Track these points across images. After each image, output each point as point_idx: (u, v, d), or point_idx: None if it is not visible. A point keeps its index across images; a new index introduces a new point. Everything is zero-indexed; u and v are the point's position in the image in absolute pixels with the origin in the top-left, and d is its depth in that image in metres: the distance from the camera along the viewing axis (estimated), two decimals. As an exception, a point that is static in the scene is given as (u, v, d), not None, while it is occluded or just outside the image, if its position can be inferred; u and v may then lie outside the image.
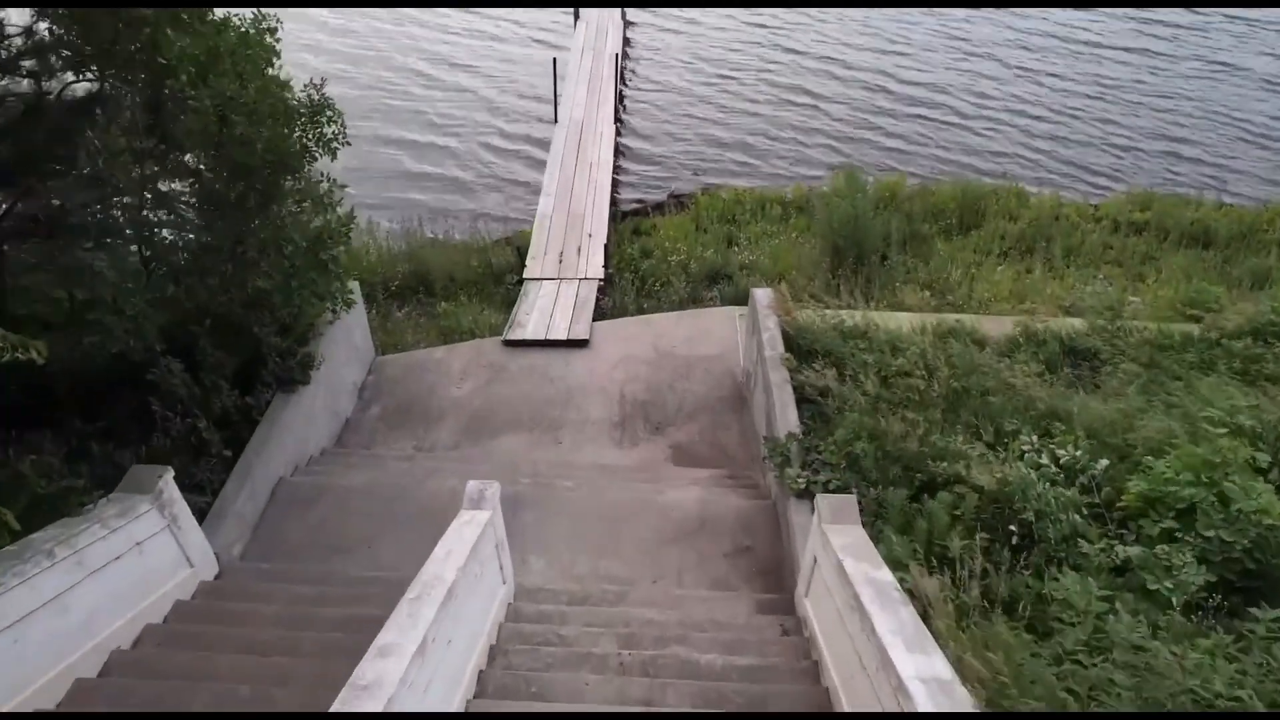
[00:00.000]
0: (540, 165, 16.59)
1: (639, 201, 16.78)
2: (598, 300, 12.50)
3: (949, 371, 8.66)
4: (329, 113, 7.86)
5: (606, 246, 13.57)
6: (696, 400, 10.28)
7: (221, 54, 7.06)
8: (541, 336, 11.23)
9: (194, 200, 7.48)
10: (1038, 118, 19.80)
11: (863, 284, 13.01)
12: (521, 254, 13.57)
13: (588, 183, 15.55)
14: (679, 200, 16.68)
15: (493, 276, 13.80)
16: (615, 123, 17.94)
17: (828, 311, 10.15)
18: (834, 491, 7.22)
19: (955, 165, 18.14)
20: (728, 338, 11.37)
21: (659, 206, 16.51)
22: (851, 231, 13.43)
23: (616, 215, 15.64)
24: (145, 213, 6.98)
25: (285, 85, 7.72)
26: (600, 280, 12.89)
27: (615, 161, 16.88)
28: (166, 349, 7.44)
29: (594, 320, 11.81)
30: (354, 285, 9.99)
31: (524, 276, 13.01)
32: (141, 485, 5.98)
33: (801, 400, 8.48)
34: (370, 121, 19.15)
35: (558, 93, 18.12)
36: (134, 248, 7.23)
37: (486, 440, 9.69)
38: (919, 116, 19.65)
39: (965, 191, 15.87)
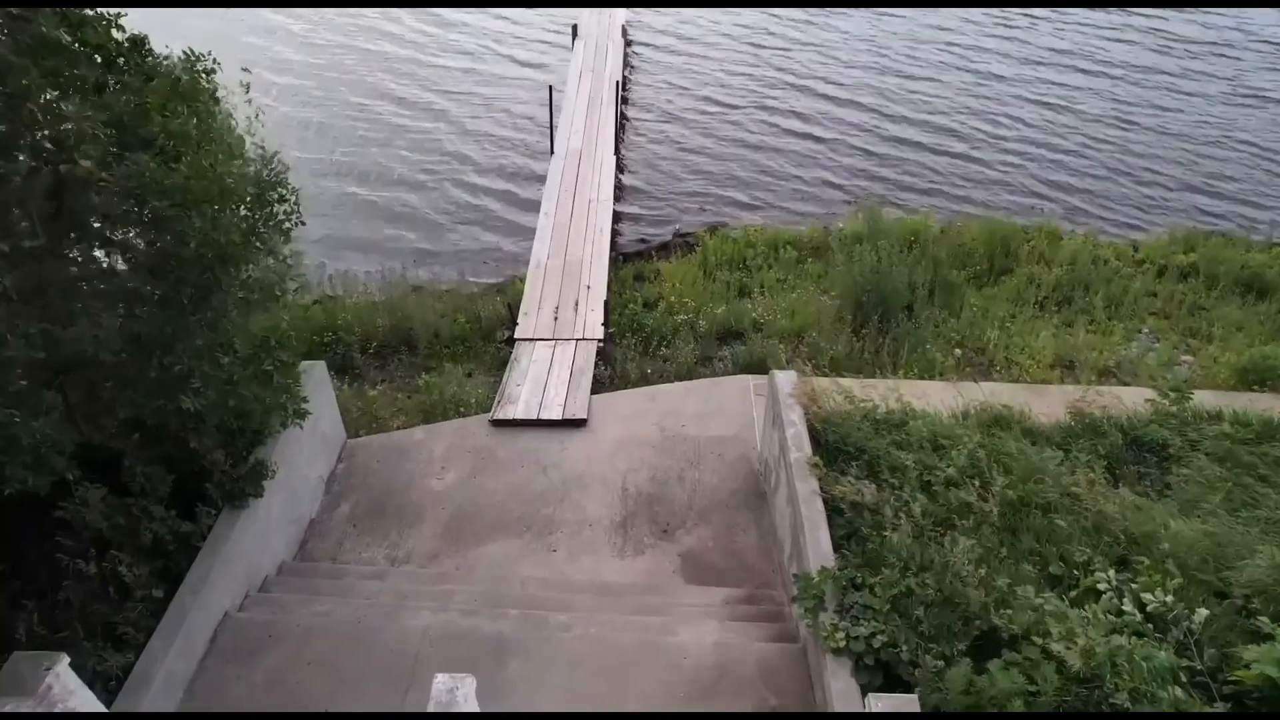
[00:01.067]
0: (533, 204, 15.37)
1: (641, 240, 15.59)
2: (597, 365, 11.31)
3: (1004, 480, 7.47)
4: (280, 190, 6.67)
5: (606, 301, 12.36)
6: (709, 494, 9.08)
7: (144, 112, 5.84)
8: (534, 416, 10.03)
9: (115, 298, 6.26)
10: (1062, 149, 18.54)
11: (889, 344, 11.82)
12: (513, 309, 12.38)
13: (586, 224, 14.35)
14: (684, 239, 15.49)
15: (481, 332, 12.61)
16: (616, 153, 16.75)
17: (856, 393, 8.94)
18: (879, 649, 6.06)
19: (976, 201, 16.93)
20: (742, 414, 10.18)
21: (663, 247, 15.31)
22: (875, 284, 12.24)
23: (617, 260, 14.44)
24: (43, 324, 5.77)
25: (232, 152, 6.54)
26: (599, 341, 11.70)
27: (615, 196, 15.68)
28: (83, 476, 6.25)
29: (592, 392, 10.62)
30: (315, 368, 8.81)
31: (515, 337, 11.82)
32: (21, 683, 4.78)
33: (832, 510, 7.31)
34: (347, 154, 17.97)
35: (554, 123, 16.91)
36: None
37: (470, 548, 8.49)
38: (935, 148, 18.39)
39: (994, 232, 14.67)
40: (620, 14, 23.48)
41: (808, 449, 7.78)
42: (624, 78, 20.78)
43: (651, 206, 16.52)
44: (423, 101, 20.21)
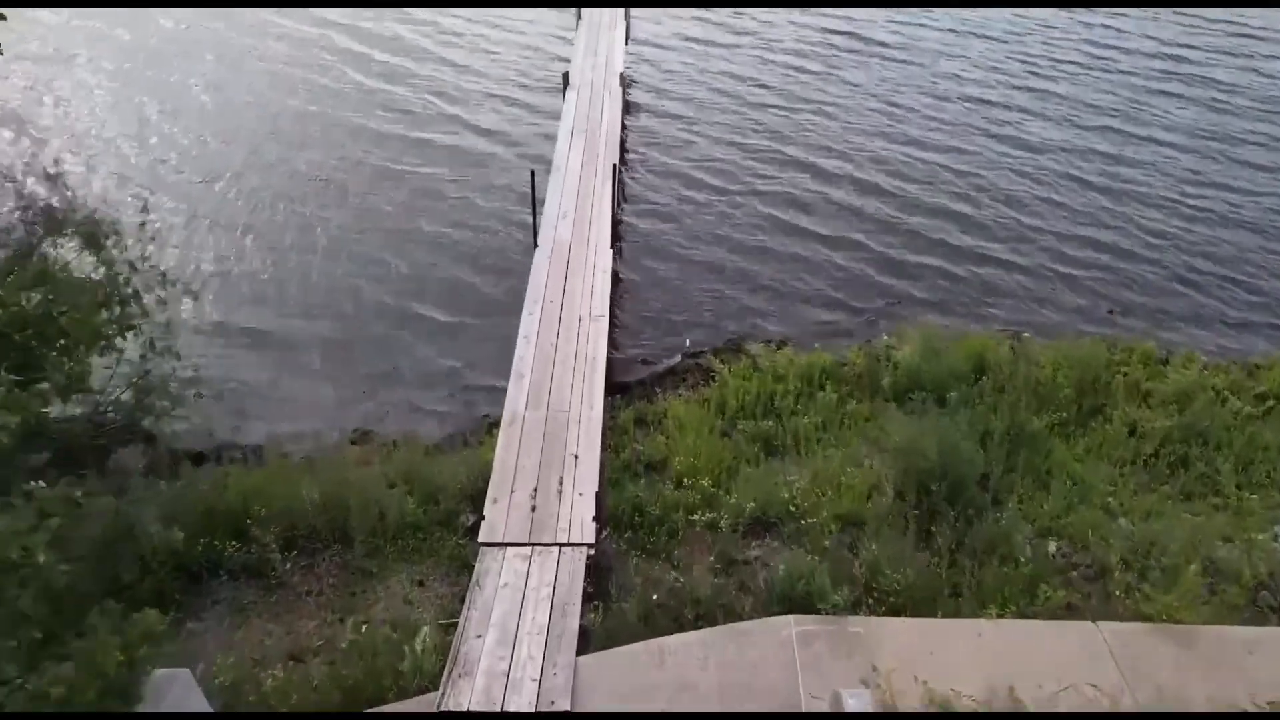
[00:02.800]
0: (508, 314, 12.48)
1: (643, 362, 12.79)
2: (586, 583, 8.53)
3: None
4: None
5: (599, 491, 9.53)
6: None
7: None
8: (497, 708, 7.22)
9: None
10: (1123, 237, 15.64)
11: (967, 546, 9.04)
12: (477, 502, 9.57)
13: (575, 352, 11.56)
14: (696, 360, 12.68)
15: (439, 514, 9.83)
16: (613, 244, 13.93)
17: (944, 689, 6.18)
18: None
19: (1034, 308, 14.11)
20: (782, 687, 7.40)
21: (670, 372, 12.51)
22: (942, 463, 9.46)
23: (613, 397, 11.65)
24: None
25: None
26: (590, 547, 8.91)
27: (613, 305, 12.89)
28: None
29: (581, 643, 7.84)
30: (174, 681, 6.07)
31: (480, 540, 9.02)
32: None
33: None
34: (277, 240, 15.22)
35: (538, 209, 14.06)
36: None
37: None
38: (985, 247, 15.42)
39: (1076, 358, 11.87)
40: (617, 59, 20.63)
41: None
42: (623, 137, 17.94)
43: (654, 311, 13.71)
44: (378, 166, 17.42)
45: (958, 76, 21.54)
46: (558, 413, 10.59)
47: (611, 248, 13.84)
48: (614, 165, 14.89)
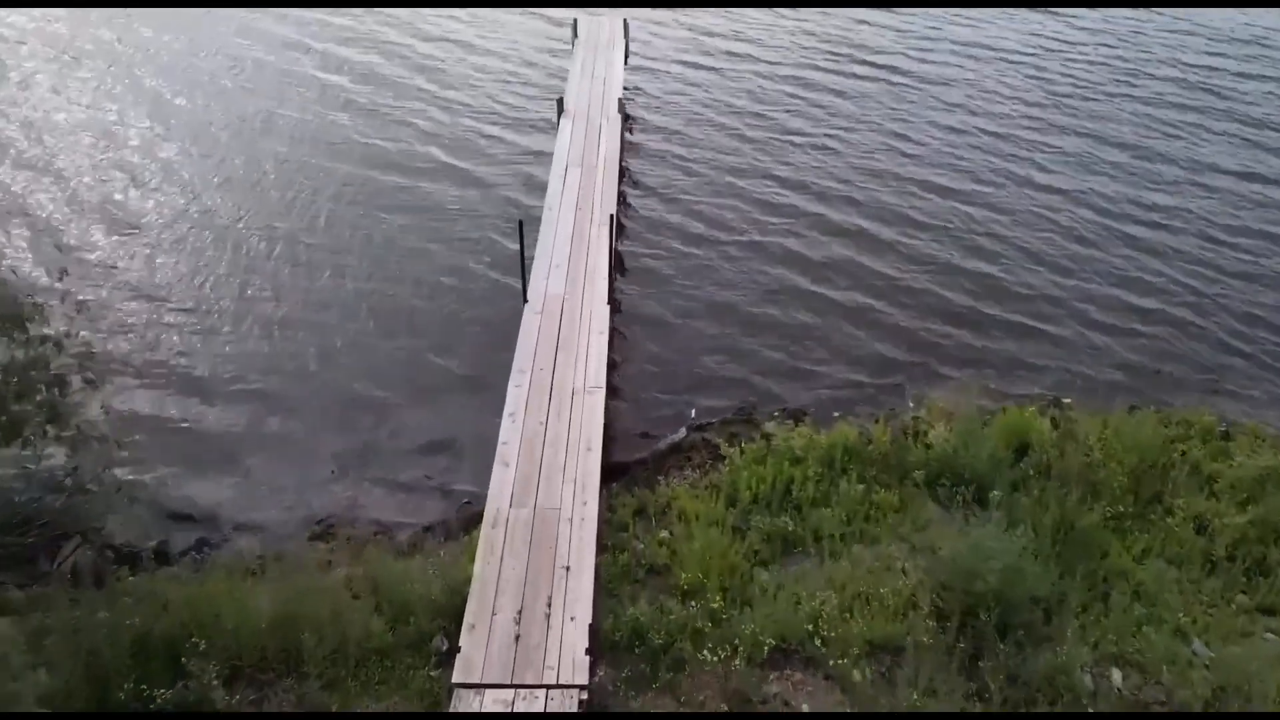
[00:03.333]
0: (494, 380, 11.17)
1: (644, 435, 11.49)
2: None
3: None
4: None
5: (595, 608, 8.26)
6: None
7: None
8: None
9: None
10: (1171, 298, 14.25)
11: (1023, 691, 7.76)
12: (453, 619, 8.30)
13: (569, 431, 10.29)
14: (702, 434, 11.38)
15: (408, 637, 8.54)
16: (610, 299, 12.64)
17: None
18: None
19: (1079, 370, 12.80)
20: None
21: (674, 449, 11.21)
22: (989, 590, 8.17)
23: (611, 491, 10.35)
24: None
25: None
26: (582, 689, 7.63)
27: (610, 368, 11.60)
28: None
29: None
30: None
31: (455, 679, 7.73)
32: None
33: None
34: (233, 295, 13.93)
35: (527, 264, 12.74)
36: None
37: None
38: (1012, 300, 14.05)
39: (1125, 435, 10.58)
40: (616, 82, 19.33)
41: None
42: (621, 170, 16.63)
43: (656, 376, 12.39)
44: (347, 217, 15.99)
45: (971, 104, 20.14)
46: (547, 511, 9.29)
47: (609, 303, 12.56)
48: (611, 216, 13.51)
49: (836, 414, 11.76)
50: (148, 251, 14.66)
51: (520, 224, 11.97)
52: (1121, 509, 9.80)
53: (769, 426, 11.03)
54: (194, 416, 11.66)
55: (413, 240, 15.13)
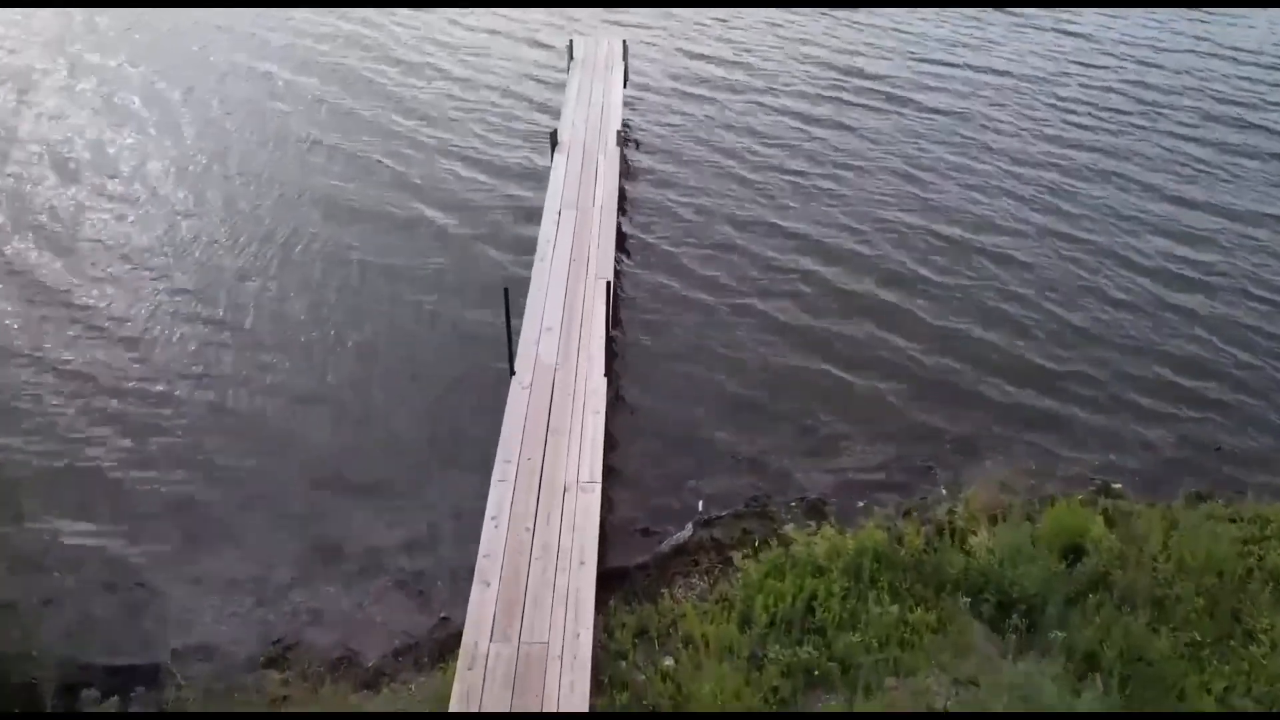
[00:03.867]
0: (477, 464, 9.90)
1: (644, 532, 10.19)
2: None
3: None
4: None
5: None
6: None
7: None
8: None
9: None
10: (1224, 360, 12.92)
11: None
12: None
13: (559, 545, 8.99)
14: (710, 531, 10.11)
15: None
16: (607, 371, 11.36)
17: None
18: None
19: (1128, 448, 11.50)
20: None
21: (679, 551, 9.92)
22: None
23: (608, 607, 9.06)
24: None
25: None
26: None
27: (607, 445, 10.32)
28: None
29: None
30: None
31: None
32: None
33: None
34: (182, 366, 12.62)
35: (514, 331, 11.42)
36: None
37: None
38: (1047, 365, 12.73)
39: (1190, 539, 9.31)
40: (615, 110, 18.08)
41: None
42: (621, 210, 15.36)
43: (656, 462, 11.05)
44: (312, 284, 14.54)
45: (985, 138, 18.78)
46: (533, 646, 8.00)
47: (606, 372, 11.28)
48: (608, 283, 12.20)
49: (861, 504, 10.53)
50: (73, 332, 12.92)
51: (506, 291, 10.65)
52: (1197, 635, 8.52)
53: (787, 529, 9.73)
54: (147, 502, 10.36)
55: (386, 303, 13.56)
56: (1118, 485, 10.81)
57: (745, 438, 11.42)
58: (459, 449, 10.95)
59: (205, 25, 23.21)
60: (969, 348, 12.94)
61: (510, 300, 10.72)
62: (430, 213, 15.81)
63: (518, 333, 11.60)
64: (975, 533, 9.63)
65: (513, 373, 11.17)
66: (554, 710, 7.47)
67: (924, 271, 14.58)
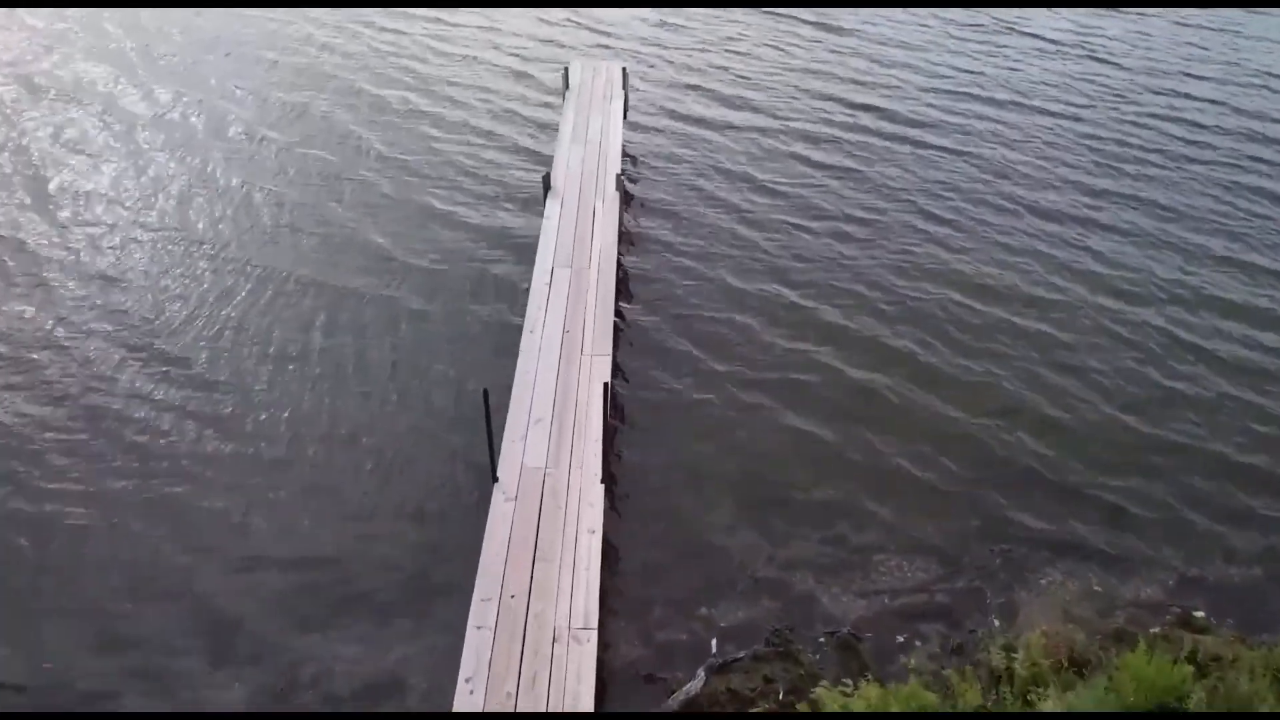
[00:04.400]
0: (446, 618, 8.39)
1: (647, 679, 8.64)
2: None
3: None
4: None
5: None
6: None
7: None
8: None
9: None
10: None
11: None
12: None
13: (547, 704, 7.47)
14: (726, 677, 8.58)
15: None
16: (604, 475, 9.84)
17: None
18: None
19: (1206, 560, 10.02)
20: None
21: (690, 704, 8.38)
22: None
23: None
24: None
25: None
26: None
27: (603, 571, 8.80)
28: None
29: None
30: None
31: None
32: None
33: None
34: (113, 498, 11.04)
35: (494, 437, 9.84)
36: None
37: None
38: (1102, 458, 11.21)
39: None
40: (614, 148, 16.57)
41: None
42: (620, 266, 13.84)
43: (661, 588, 9.48)
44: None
45: (1012, 172, 17.38)
46: None
47: (604, 477, 9.75)
48: (606, 384, 10.64)
49: (900, 638, 9.03)
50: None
51: (485, 394, 9.11)
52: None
53: (818, 690, 8.19)
54: (87, 626, 8.83)
55: (354, 400, 11.53)
56: (1200, 613, 9.33)
57: (764, 550, 9.88)
58: (431, 577, 9.38)
59: (163, 75, 21.65)
60: (1009, 441, 11.37)
61: (489, 409, 9.16)
62: (409, 264, 14.28)
63: (501, 427, 10.08)
64: (1042, 686, 8.11)
65: (495, 479, 9.64)
66: None
67: (946, 334, 13.07)
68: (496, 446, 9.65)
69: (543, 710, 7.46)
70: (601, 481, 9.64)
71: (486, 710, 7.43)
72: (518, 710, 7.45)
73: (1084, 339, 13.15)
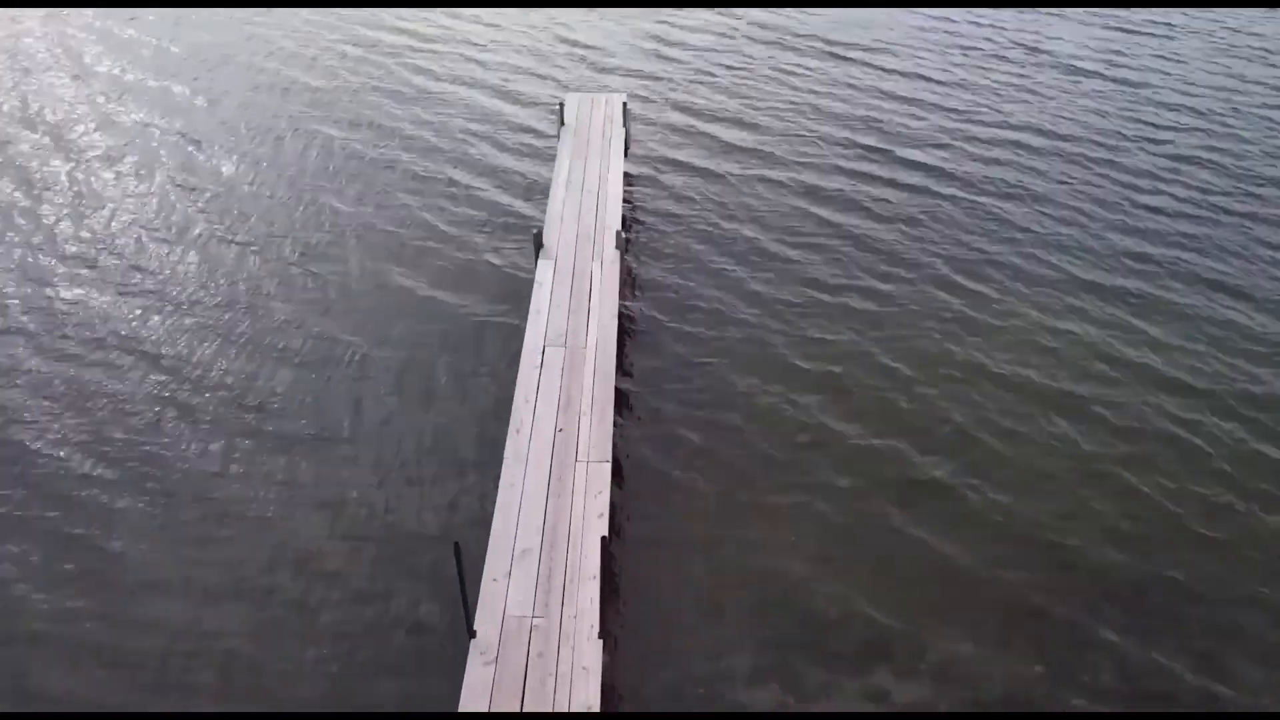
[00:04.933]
0: None
1: None
2: None
3: None
4: None
5: None
6: None
7: None
8: None
9: None
10: None
11: None
12: None
13: None
14: None
15: None
16: (600, 635, 8.25)
17: None
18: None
19: None
20: None
21: None
22: None
23: None
24: None
25: None
26: None
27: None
28: None
29: None
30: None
31: None
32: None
33: None
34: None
35: (468, 584, 8.30)
36: None
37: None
38: (1181, 581, 9.76)
39: None
40: (614, 198, 15.01)
41: None
42: (621, 354, 12.25)
43: (661, 654, 7.97)
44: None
45: (1042, 228, 15.44)
46: None
47: (599, 637, 8.16)
48: (603, 538, 9.04)
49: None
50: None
51: (456, 546, 7.50)
52: None
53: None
54: None
55: (321, 543, 9.82)
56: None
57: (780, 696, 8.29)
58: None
59: (120, 111, 20.14)
60: (1051, 549, 9.82)
61: (461, 563, 7.55)
62: (370, 355, 12.71)
63: (480, 568, 8.51)
64: None
65: (471, 634, 8.06)
66: None
67: (994, 441, 11.12)
68: (470, 602, 8.02)
69: None
70: (599, 638, 8.05)
71: None
72: None
73: (1140, 426, 11.38)
